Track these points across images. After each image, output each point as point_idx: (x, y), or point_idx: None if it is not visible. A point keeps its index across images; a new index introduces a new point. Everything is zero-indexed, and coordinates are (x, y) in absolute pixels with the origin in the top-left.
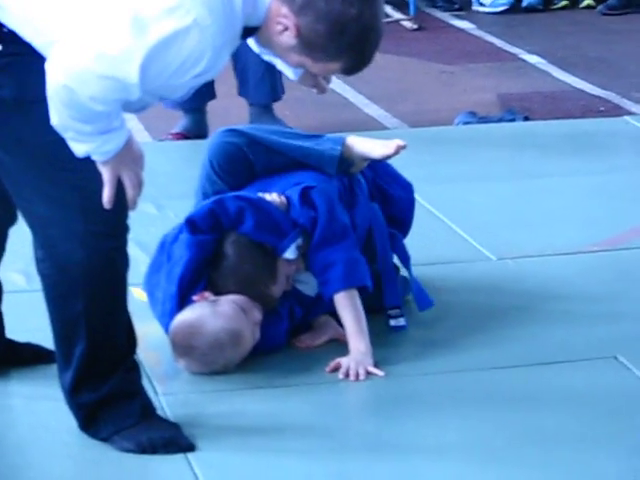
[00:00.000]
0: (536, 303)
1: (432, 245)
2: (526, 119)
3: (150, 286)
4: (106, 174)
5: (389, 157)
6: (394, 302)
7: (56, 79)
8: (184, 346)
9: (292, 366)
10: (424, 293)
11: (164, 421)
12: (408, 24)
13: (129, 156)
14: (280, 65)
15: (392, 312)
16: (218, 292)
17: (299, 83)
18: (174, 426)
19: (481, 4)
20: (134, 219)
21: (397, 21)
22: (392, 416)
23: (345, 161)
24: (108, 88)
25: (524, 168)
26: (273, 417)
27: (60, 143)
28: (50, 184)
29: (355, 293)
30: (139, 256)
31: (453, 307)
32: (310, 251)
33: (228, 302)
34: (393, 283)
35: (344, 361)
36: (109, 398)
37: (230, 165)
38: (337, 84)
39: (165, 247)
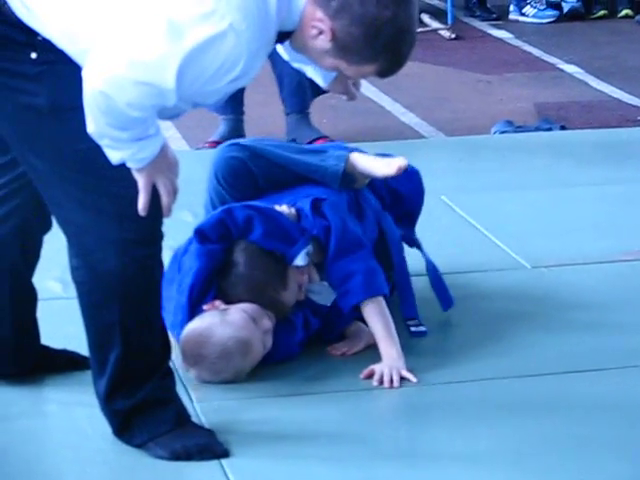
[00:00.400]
0: (570, 311)
1: (467, 253)
2: (563, 128)
3: (163, 300)
4: (141, 181)
5: (390, 177)
6: (411, 314)
7: (93, 86)
8: (194, 355)
9: (325, 374)
10: (448, 292)
11: (198, 428)
12: (446, 33)
13: (164, 163)
14: (310, 72)
15: (410, 322)
16: (229, 301)
17: (329, 89)
18: (208, 432)
19: (523, 14)
20: (171, 227)
21: (435, 30)
22: (422, 423)
23: (348, 177)
24: (144, 94)
25: (560, 177)
26: (306, 424)
27: (95, 150)
28: (84, 192)
29: (381, 299)
30: None
31: (486, 314)
32: (327, 262)
33: (238, 311)
34: (409, 294)
35: (378, 368)
36: (144, 405)
37: (234, 179)
38: (373, 92)
39: (176, 259)
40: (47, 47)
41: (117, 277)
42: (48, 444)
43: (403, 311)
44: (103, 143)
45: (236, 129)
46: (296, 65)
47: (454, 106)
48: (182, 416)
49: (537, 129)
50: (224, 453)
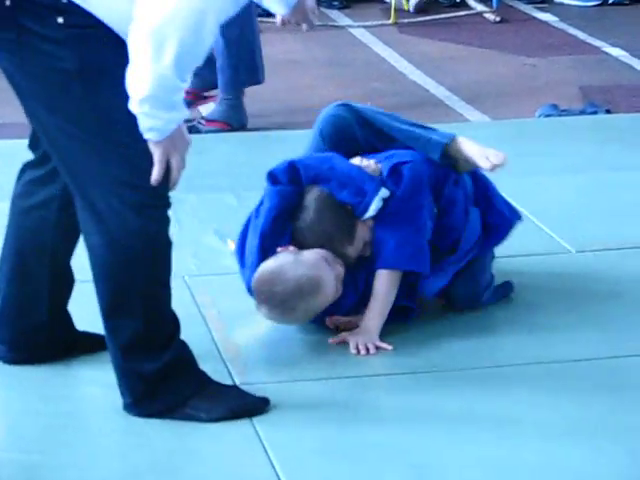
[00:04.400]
0: (615, 296)
1: (512, 237)
2: (608, 112)
3: (240, 242)
4: (157, 154)
5: (489, 170)
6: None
7: (192, 5)
8: (265, 291)
9: (368, 356)
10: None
11: (223, 387)
12: (491, 16)
13: (180, 140)
14: (268, 2)
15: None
16: (301, 247)
17: (289, 19)
18: (236, 390)
19: None
20: (215, 210)
21: (480, 13)
22: (473, 401)
23: (449, 156)
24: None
25: (605, 161)
26: (349, 408)
27: (119, 117)
28: (103, 156)
29: (396, 277)
30: (220, 247)
31: (532, 299)
32: (376, 220)
33: (312, 252)
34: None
35: (351, 337)
36: (169, 368)
37: (338, 137)
38: (418, 75)
39: (257, 209)
40: (73, 10)
41: (137, 237)
42: (88, 427)
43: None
44: (143, 110)
45: (236, 107)
46: None
47: (499, 89)
48: (205, 379)
49: (582, 113)
50: (259, 409)
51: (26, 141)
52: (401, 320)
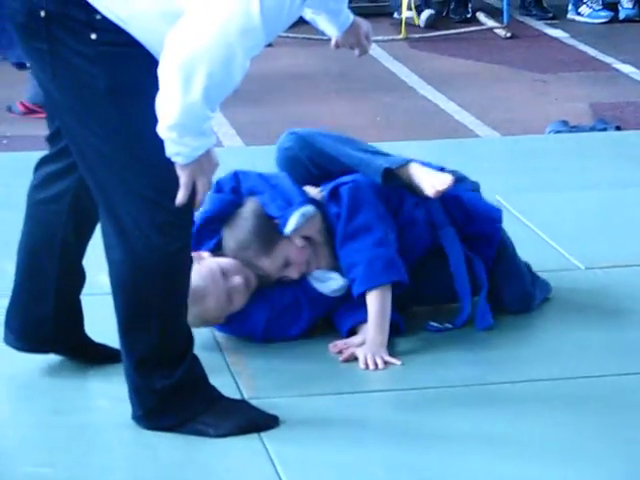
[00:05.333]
0: (624, 313)
1: (521, 253)
2: (618, 129)
3: None
4: (184, 177)
5: (433, 196)
6: (459, 323)
7: (222, 40)
8: None
9: (377, 371)
10: (485, 314)
11: (234, 402)
12: (501, 32)
13: (207, 164)
14: (322, 23)
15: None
16: (222, 253)
17: (341, 43)
18: (246, 406)
19: (579, 13)
20: None
21: (490, 29)
22: (480, 417)
23: (398, 179)
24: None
25: (615, 178)
26: (358, 423)
27: (147, 137)
28: (128, 174)
29: (384, 288)
30: None
31: (541, 315)
32: (336, 248)
33: (211, 262)
34: (467, 305)
35: (360, 352)
36: (181, 384)
37: (287, 166)
38: (428, 90)
39: None
40: (107, 27)
41: (159, 255)
42: (99, 439)
43: (456, 320)
44: (170, 136)
45: None
46: (309, 17)
47: (509, 105)
48: (215, 395)
49: (592, 129)
50: (267, 425)
51: (35, 154)
52: (392, 335)
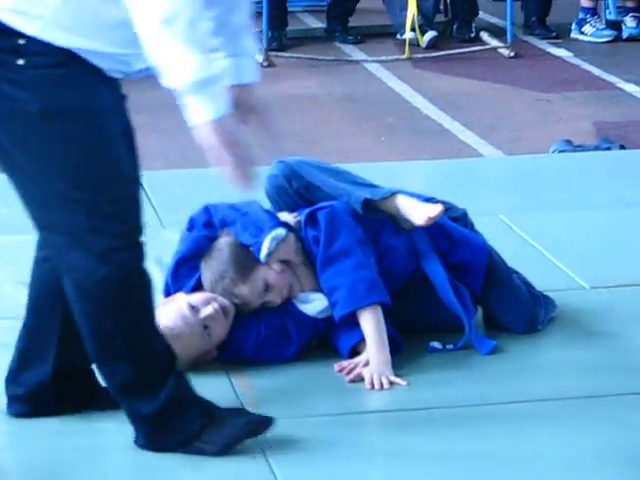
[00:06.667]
0: (630, 332)
1: (526, 273)
2: (622, 148)
3: None
4: (223, 136)
5: (423, 225)
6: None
7: None
8: None
9: (382, 391)
10: (483, 340)
11: (230, 412)
12: (505, 52)
13: (236, 134)
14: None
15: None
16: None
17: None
18: (243, 414)
19: (582, 33)
20: None
21: (494, 49)
22: (479, 437)
23: (379, 210)
24: None
25: (619, 197)
26: (363, 444)
27: (83, 156)
28: (63, 203)
29: (371, 312)
30: None
31: (546, 334)
32: (317, 272)
33: (179, 300)
34: (468, 326)
35: (367, 372)
36: (168, 405)
37: (274, 194)
38: (432, 110)
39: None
40: (34, 51)
41: (104, 286)
42: (101, 461)
43: (458, 341)
44: (198, 92)
45: None
46: None
47: (513, 125)
48: (209, 409)
49: (596, 148)
50: (261, 428)
51: None
52: (391, 350)
